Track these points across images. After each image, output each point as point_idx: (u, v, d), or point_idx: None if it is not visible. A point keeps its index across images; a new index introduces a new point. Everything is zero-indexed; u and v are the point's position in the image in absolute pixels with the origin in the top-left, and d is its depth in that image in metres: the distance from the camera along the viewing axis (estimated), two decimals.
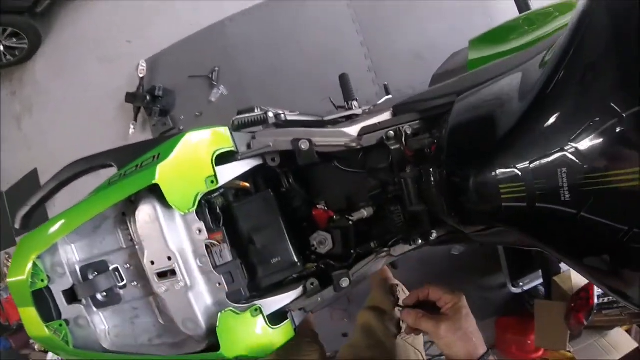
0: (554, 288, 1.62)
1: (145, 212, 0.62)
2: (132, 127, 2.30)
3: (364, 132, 0.69)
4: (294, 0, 1.99)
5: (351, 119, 0.93)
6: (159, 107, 2.13)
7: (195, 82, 2.13)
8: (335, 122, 0.94)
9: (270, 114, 0.81)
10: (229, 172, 0.65)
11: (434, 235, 0.70)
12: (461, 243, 1.16)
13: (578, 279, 1.51)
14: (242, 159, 0.67)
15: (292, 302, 0.70)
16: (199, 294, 0.65)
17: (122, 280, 0.69)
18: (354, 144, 0.69)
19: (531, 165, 0.47)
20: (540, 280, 1.74)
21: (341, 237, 0.73)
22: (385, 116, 0.71)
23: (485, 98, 0.59)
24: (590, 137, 0.41)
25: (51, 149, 2.43)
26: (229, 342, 0.62)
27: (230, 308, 0.64)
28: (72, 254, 0.68)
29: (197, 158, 0.62)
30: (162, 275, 0.64)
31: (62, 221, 0.64)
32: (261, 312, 0.65)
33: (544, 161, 0.46)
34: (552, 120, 0.46)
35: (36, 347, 2.32)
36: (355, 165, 0.73)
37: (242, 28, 2.04)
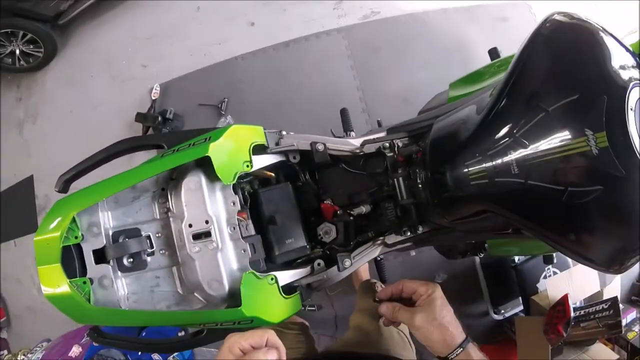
0: (532, 306, 1.68)
1: (192, 180, 0.73)
2: None
3: (365, 143, 0.89)
4: (299, 45, 2.29)
5: None
6: (168, 129, 2.20)
7: (205, 110, 2.24)
8: None
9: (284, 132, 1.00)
10: (259, 162, 0.80)
11: (420, 229, 0.86)
12: (444, 242, 1.27)
13: (555, 295, 1.55)
14: (270, 153, 0.83)
15: (301, 278, 0.80)
16: (227, 257, 0.73)
17: (152, 247, 0.75)
18: (357, 151, 0.88)
19: (488, 153, 0.68)
20: (521, 307, 1.86)
21: (343, 228, 0.87)
22: (381, 135, 0.92)
23: (454, 119, 0.83)
24: (527, 127, 0.64)
25: (50, 158, 2.38)
26: (250, 300, 0.70)
27: (252, 271, 0.72)
28: (107, 220, 0.75)
29: (239, 145, 0.77)
30: (196, 237, 0.72)
31: (108, 184, 0.72)
32: (276, 282, 0.74)
33: (497, 149, 0.66)
34: (499, 121, 0.68)
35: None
36: (358, 168, 0.91)
37: (252, 65, 2.27)
